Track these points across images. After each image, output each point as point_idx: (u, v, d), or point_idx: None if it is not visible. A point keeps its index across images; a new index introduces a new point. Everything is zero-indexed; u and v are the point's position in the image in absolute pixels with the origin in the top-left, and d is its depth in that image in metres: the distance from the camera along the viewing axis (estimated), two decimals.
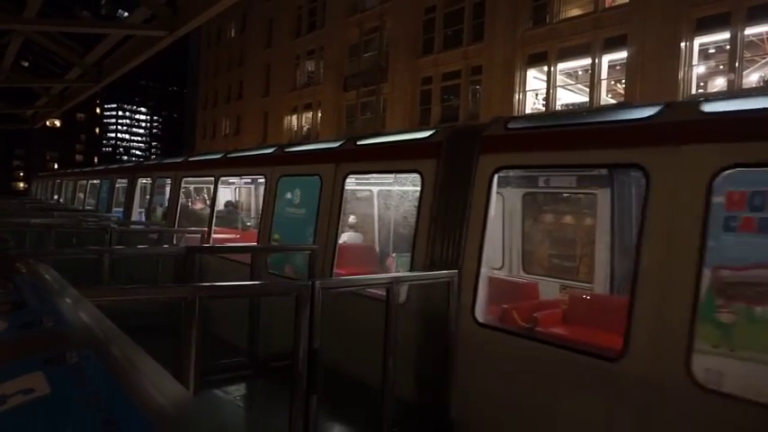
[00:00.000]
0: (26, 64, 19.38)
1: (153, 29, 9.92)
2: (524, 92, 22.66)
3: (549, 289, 6.27)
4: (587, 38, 20.42)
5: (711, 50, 17.85)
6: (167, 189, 10.45)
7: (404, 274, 4.64)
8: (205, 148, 45.14)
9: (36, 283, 1.41)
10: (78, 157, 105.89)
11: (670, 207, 3.20)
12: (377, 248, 8.84)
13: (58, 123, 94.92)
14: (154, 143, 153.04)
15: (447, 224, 4.57)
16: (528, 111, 22.38)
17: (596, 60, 20.27)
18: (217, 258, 6.96)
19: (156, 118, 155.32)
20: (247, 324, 5.29)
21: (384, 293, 3.69)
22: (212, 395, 4.54)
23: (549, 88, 21.81)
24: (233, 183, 11.45)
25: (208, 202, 9.61)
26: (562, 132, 4.13)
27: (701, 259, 2.95)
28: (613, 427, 3.18)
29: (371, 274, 6.95)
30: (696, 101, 3.59)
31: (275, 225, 6.93)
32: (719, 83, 17.63)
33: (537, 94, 22.68)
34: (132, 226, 10.58)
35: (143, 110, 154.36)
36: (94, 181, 16.75)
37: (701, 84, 18.06)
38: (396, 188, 7.82)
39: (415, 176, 5.14)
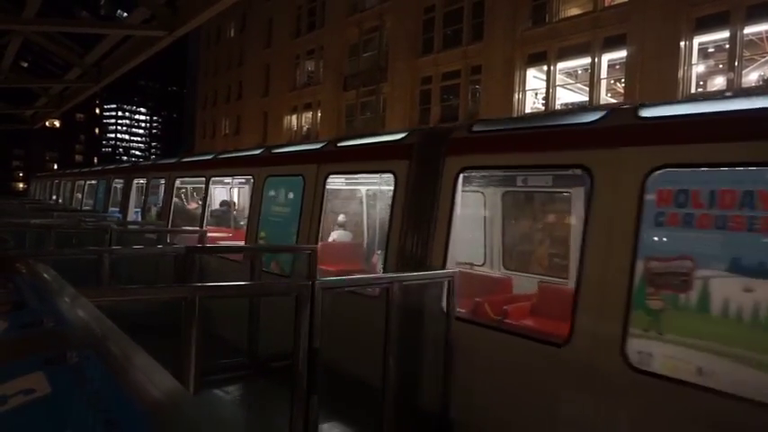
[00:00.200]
0: (25, 64, 19.37)
1: (152, 29, 9.93)
2: (524, 91, 22.66)
3: (529, 284, 6.39)
4: (587, 37, 20.42)
5: (711, 49, 17.85)
6: (161, 189, 10.64)
7: (403, 274, 4.64)
8: (205, 148, 45.13)
9: (36, 283, 1.41)
10: (78, 158, 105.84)
11: (609, 205, 3.48)
12: (364, 246, 8.95)
13: (57, 124, 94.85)
14: (153, 143, 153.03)
15: (417, 222, 4.81)
16: (528, 110, 22.39)
17: (596, 60, 20.27)
18: (209, 256, 7.10)
19: (155, 118, 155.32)
20: (247, 324, 5.29)
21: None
22: (212, 395, 4.54)
23: (548, 88, 21.81)
24: (228, 183, 11.57)
25: (200, 201, 9.81)
26: (519, 135, 4.44)
27: (635, 252, 3.26)
28: (561, 407, 3.44)
29: (357, 270, 7.05)
30: (635, 106, 3.77)
31: (262, 223, 7.13)
32: (719, 82, 17.63)
33: (537, 94, 22.68)
34: (132, 226, 10.59)
35: (142, 110, 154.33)
36: (92, 181, 16.96)
37: (701, 83, 18.06)
38: (384, 188, 7.98)
39: (393, 176, 5.34)
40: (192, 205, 12.48)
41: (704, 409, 2.86)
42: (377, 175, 6.05)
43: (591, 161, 3.66)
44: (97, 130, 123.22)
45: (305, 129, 36.63)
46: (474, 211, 7.18)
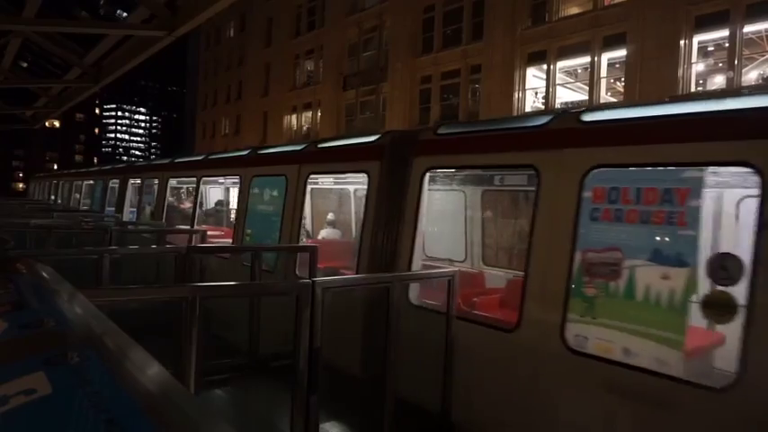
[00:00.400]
0: (25, 64, 19.42)
1: (152, 29, 9.91)
2: (524, 90, 22.65)
3: (505, 279, 6.53)
4: (586, 36, 20.42)
5: (710, 48, 17.85)
6: (155, 189, 10.98)
7: (403, 273, 4.66)
8: (205, 148, 45.14)
9: (36, 283, 1.41)
10: (78, 158, 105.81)
11: (553, 201, 3.81)
12: (351, 244, 8.99)
13: (57, 124, 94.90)
14: (153, 143, 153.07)
15: (388, 218, 5.10)
16: (528, 109, 22.38)
17: (596, 58, 20.27)
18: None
19: (155, 118, 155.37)
20: (248, 323, 5.30)
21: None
22: (213, 394, 4.55)
23: (548, 87, 21.81)
24: (218, 183, 11.83)
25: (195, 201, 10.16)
26: (478, 138, 4.76)
27: (574, 244, 3.58)
28: (512, 384, 3.76)
29: (344, 266, 7.19)
30: (579, 110, 4.11)
31: (248, 221, 7.43)
32: (719, 80, 17.63)
33: (536, 93, 22.68)
34: (132, 226, 10.61)
35: (142, 110, 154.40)
36: (89, 182, 17.29)
37: (701, 81, 18.06)
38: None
39: (366, 176, 5.63)
40: (186, 205, 12.64)
41: (628, 384, 3.17)
42: (361, 175, 6.22)
43: (538, 161, 3.97)
44: (97, 130, 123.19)
45: (305, 128, 36.63)
46: (455, 210, 7.42)
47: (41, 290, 1.35)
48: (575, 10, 21.52)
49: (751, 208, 3.01)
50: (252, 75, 41.73)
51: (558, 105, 21.73)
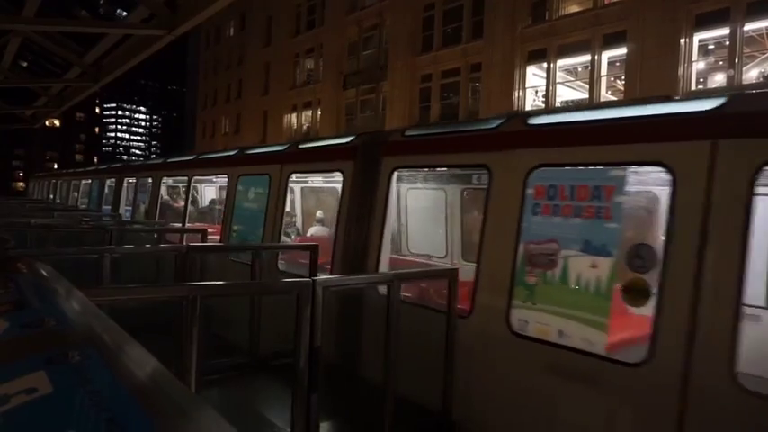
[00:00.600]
0: (25, 64, 19.39)
1: (152, 28, 9.91)
2: (524, 89, 22.65)
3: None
4: (587, 34, 20.41)
5: (711, 46, 17.84)
6: (149, 188, 11.37)
7: (404, 271, 4.68)
8: (205, 147, 45.15)
9: (37, 282, 1.42)
10: (78, 157, 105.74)
11: (501, 198, 4.16)
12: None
13: (57, 123, 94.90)
14: (154, 142, 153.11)
15: (360, 214, 5.42)
16: (528, 108, 22.37)
17: (596, 57, 20.26)
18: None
19: (155, 117, 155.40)
20: (248, 322, 5.30)
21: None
22: (213, 394, 4.55)
23: (548, 85, 21.80)
24: (208, 181, 12.13)
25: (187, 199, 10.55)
26: (439, 139, 5.14)
27: (518, 237, 3.95)
28: (468, 366, 4.04)
29: (329, 262, 7.36)
30: (527, 114, 4.49)
31: (235, 219, 7.74)
32: (719, 79, 17.62)
33: (537, 92, 22.68)
34: (131, 226, 10.65)
35: (142, 109, 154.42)
36: (86, 181, 17.67)
37: (701, 80, 18.05)
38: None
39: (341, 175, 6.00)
40: (178, 203, 12.87)
41: (562, 363, 3.52)
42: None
43: (490, 161, 4.31)
44: (97, 130, 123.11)
45: (305, 127, 36.63)
46: (437, 208, 7.68)
47: (42, 289, 1.35)
48: (575, 8, 21.51)
49: (665, 203, 3.35)
50: (252, 74, 41.72)
51: (558, 104, 21.73)
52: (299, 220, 10.02)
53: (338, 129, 30.99)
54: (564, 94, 22.16)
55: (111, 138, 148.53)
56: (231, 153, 8.70)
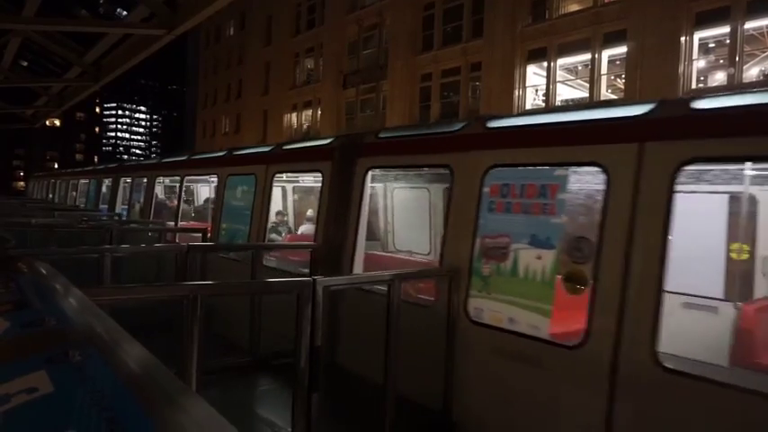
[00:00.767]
0: (25, 63, 19.39)
1: (152, 27, 9.91)
2: (524, 88, 22.63)
3: None
4: (587, 33, 20.39)
5: (711, 45, 17.82)
6: (144, 187, 11.72)
7: (404, 271, 4.69)
8: (205, 146, 45.14)
9: (38, 282, 1.42)
10: (78, 157, 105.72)
11: (461, 197, 4.48)
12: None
13: (57, 123, 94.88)
14: (154, 142, 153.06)
15: (337, 213, 5.73)
16: (528, 107, 22.37)
17: (596, 56, 20.24)
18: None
19: (155, 117, 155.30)
20: (249, 322, 5.31)
21: None
22: (214, 393, 4.55)
23: (548, 84, 21.78)
24: (200, 181, 12.38)
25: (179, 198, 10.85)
26: (409, 141, 5.46)
27: (476, 232, 4.26)
28: (430, 350, 4.26)
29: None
30: (486, 117, 4.79)
31: (224, 216, 8.02)
32: (720, 77, 17.60)
33: (537, 90, 22.65)
34: (133, 225, 10.69)
35: (143, 109, 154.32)
36: (84, 180, 18.00)
37: (702, 78, 18.03)
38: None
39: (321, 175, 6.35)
40: (172, 202, 13.17)
41: (512, 347, 3.83)
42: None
43: (452, 162, 4.62)
44: (97, 129, 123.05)
45: (305, 127, 36.61)
46: (421, 207, 7.92)
47: (43, 289, 1.36)
48: (575, 7, 21.48)
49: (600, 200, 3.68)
50: (252, 73, 41.70)
51: (558, 102, 21.71)
52: (290, 219, 10.22)
53: (339, 128, 30.97)
54: (564, 92, 22.13)
55: (112, 137, 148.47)
56: (221, 154, 9.04)
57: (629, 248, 3.32)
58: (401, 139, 5.60)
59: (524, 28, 22.37)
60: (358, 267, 5.46)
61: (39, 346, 0.95)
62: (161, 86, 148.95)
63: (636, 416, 3.15)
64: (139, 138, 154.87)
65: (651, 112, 3.47)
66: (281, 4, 37.83)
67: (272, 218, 9.47)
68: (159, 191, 12.50)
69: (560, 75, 22.04)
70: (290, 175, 8.44)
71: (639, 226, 3.31)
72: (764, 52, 16.73)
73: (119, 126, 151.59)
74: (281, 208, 10.04)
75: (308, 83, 36.23)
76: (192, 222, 10.87)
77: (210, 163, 9.38)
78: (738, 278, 5.13)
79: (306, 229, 9.17)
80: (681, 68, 17.39)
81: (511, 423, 3.81)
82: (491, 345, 3.95)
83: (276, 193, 9.83)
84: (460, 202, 4.48)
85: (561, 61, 21.83)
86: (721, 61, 17.44)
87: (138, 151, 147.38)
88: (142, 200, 11.78)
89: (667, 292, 4.71)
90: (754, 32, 16.70)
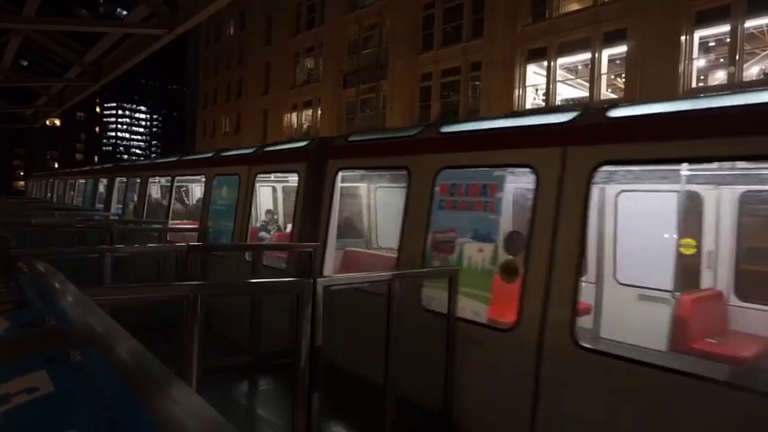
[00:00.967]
0: (25, 63, 19.37)
1: (152, 27, 9.92)
2: (524, 87, 22.62)
3: None
4: (587, 32, 20.37)
5: (712, 43, 17.80)
6: (138, 187, 12.11)
7: (404, 271, 4.70)
8: (205, 146, 45.13)
9: (38, 282, 1.42)
10: (78, 157, 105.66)
11: (416, 196, 4.87)
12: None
13: (57, 122, 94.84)
14: (154, 142, 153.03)
15: (312, 211, 6.11)
16: (528, 106, 22.35)
17: (596, 55, 20.22)
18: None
19: (155, 117, 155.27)
20: (249, 322, 5.31)
21: None
22: (214, 393, 4.55)
23: (548, 83, 21.77)
24: (191, 181, 12.76)
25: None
26: (373, 145, 5.89)
27: (428, 228, 4.66)
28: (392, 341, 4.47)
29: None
30: (439, 123, 5.24)
31: (210, 214, 8.38)
32: (720, 76, 17.59)
33: (537, 90, 22.64)
34: (133, 225, 10.74)
35: (143, 108, 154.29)
36: (81, 180, 18.39)
37: (702, 77, 18.02)
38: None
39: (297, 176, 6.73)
40: (164, 201, 13.37)
41: (459, 331, 4.13)
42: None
43: (410, 164, 4.98)
44: (97, 129, 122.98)
45: (305, 126, 36.60)
46: (402, 205, 8.03)
47: (43, 288, 1.36)
48: (575, 6, 21.47)
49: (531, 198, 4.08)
50: (252, 73, 41.69)
51: (558, 102, 21.70)
52: (280, 218, 10.47)
53: (339, 128, 30.94)
54: (564, 92, 22.13)
55: (112, 137, 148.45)
56: (208, 155, 9.46)
57: (553, 241, 3.69)
58: (367, 142, 6.03)
59: (524, 27, 22.36)
60: (329, 263, 5.81)
61: (39, 345, 0.95)
62: (161, 86, 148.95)
63: (557, 387, 3.55)
64: (139, 137, 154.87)
65: (574, 119, 3.88)
66: (281, 3, 37.81)
67: (262, 216, 10.11)
68: (155, 190, 12.88)
69: (560, 74, 22.03)
70: (278, 175, 8.80)
71: (562, 221, 3.68)
72: (765, 51, 16.72)
73: (119, 126, 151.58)
74: (271, 207, 10.37)
75: (308, 82, 36.22)
76: (185, 221, 11.11)
77: (198, 164, 9.79)
78: (687, 272, 5.51)
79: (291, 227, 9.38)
80: (681, 67, 17.38)
81: (462, 396, 4.14)
82: (443, 330, 4.17)
83: (266, 192, 10.53)
84: (416, 200, 4.87)
85: (561, 61, 21.82)
86: (722, 60, 17.43)
87: (138, 151, 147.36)
88: (136, 199, 12.11)
89: (626, 285, 5.59)
90: (754, 31, 16.69)
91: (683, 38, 17.35)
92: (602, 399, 3.37)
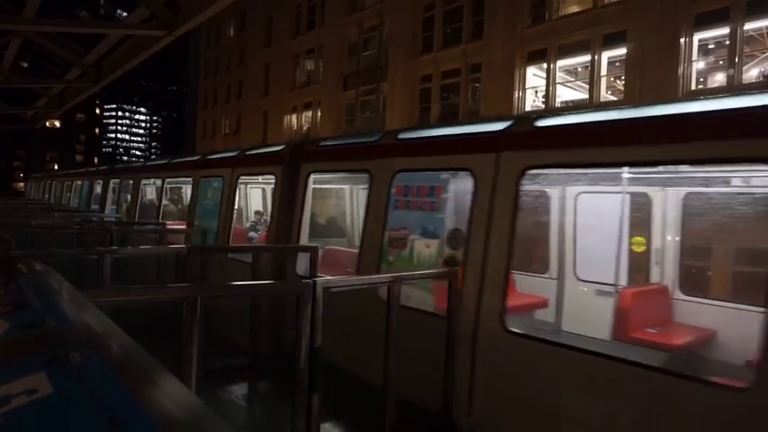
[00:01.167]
0: (26, 64, 19.39)
1: (152, 28, 9.93)
2: (524, 89, 22.64)
3: None
4: (587, 34, 20.39)
5: (711, 46, 17.82)
6: (130, 189, 12.57)
7: (404, 273, 4.71)
8: (205, 147, 45.11)
9: (38, 283, 1.42)
10: (78, 158, 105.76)
11: (375, 196, 5.31)
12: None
13: (57, 124, 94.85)
14: (154, 143, 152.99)
15: (287, 209, 6.54)
16: (528, 108, 22.36)
17: (596, 57, 20.24)
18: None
19: (155, 118, 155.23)
20: (248, 323, 5.31)
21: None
22: (214, 394, 4.55)
23: (548, 85, 21.79)
24: (179, 182, 13.06)
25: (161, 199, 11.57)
26: (340, 149, 6.53)
27: (385, 225, 5.10)
28: (352, 326, 4.70)
29: None
30: (397, 130, 5.75)
31: (197, 215, 8.83)
32: (719, 78, 17.61)
33: (537, 92, 22.66)
34: (134, 227, 10.80)
35: (143, 110, 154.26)
36: (78, 182, 18.92)
37: (701, 79, 18.04)
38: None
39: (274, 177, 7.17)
40: (156, 202, 13.58)
41: (411, 319, 4.26)
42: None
43: (371, 167, 5.44)
44: (97, 131, 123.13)
45: (305, 128, 36.61)
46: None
47: (43, 290, 1.36)
48: (575, 8, 21.49)
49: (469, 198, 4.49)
50: (252, 74, 41.72)
51: (558, 104, 21.71)
52: (269, 218, 10.65)
53: (338, 129, 30.96)
54: (564, 94, 22.14)
55: (112, 138, 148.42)
56: (194, 159, 9.99)
57: (487, 237, 4.13)
58: (336, 147, 6.64)
59: (524, 29, 22.38)
60: (301, 261, 6.14)
61: (38, 347, 0.95)
62: (161, 88, 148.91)
63: (488, 366, 3.94)
64: (139, 139, 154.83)
65: (507, 128, 4.35)
66: (282, 5, 37.85)
67: (252, 217, 10.65)
68: (147, 192, 13.12)
69: (560, 76, 22.05)
70: (266, 177, 9.12)
71: (495, 219, 4.12)
72: (764, 53, 16.74)
73: (119, 127, 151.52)
74: (260, 208, 10.75)
75: (308, 84, 36.24)
76: (176, 222, 11.37)
77: (186, 166, 10.27)
78: (638, 268, 6.01)
79: None
80: (680, 70, 17.39)
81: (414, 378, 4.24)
82: (399, 320, 4.41)
83: (256, 193, 11.18)
84: (375, 201, 5.31)
85: (561, 63, 21.83)
86: (721, 62, 17.45)
87: (138, 153, 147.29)
88: (129, 200, 12.53)
89: (585, 281, 6.18)
90: (753, 33, 16.71)
91: (682, 40, 17.37)
92: (528, 377, 3.77)
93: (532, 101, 22.70)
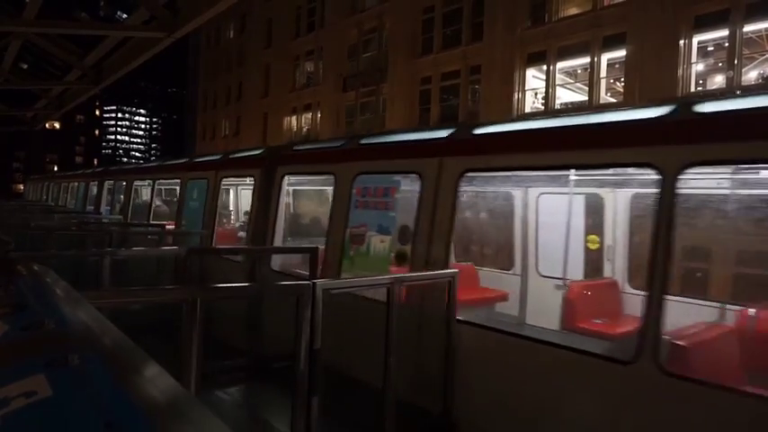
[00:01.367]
0: (25, 66, 19.42)
1: (152, 30, 9.92)
2: (524, 91, 22.65)
3: None
4: (586, 36, 20.41)
5: (710, 48, 17.84)
6: (123, 190, 13.07)
7: (404, 274, 4.71)
8: (205, 149, 45.15)
9: (37, 285, 1.42)
10: (78, 159, 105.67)
11: (339, 195, 5.80)
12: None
13: (57, 125, 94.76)
14: (154, 145, 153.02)
15: (264, 209, 6.97)
16: (528, 110, 22.38)
17: (595, 59, 20.26)
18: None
19: (155, 120, 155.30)
20: (248, 325, 5.31)
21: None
22: (213, 396, 4.54)
23: (548, 87, 21.81)
24: (171, 184, 13.49)
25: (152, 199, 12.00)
26: (309, 153, 6.94)
27: (347, 224, 5.59)
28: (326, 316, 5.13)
29: None
30: (359, 136, 6.14)
31: (184, 215, 9.32)
32: (719, 80, 17.63)
33: (536, 94, 22.67)
34: (133, 228, 10.80)
35: (142, 111, 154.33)
36: (74, 183, 19.38)
37: (700, 81, 18.05)
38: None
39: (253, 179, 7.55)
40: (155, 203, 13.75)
41: (367, 308, 4.40)
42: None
43: (335, 170, 5.91)
44: (97, 132, 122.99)
45: (305, 130, 36.63)
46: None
47: (42, 292, 1.35)
48: (574, 10, 21.51)
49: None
50: (252, 76, 41.74)
51: (557, 106, 21.73)
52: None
53: (338, 131, 30.97)
54: (564, 95, 22.16)
55: (111, 140, 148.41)
56: (182, 161, 10.56)
57: (430, 233, 4.59)
58: (307, 151, 7.06)
59: (524, 31, 22.41)
60: (275, 260, 6.61)
61: (38, 349, 0.95)
62: (161, 89, 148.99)
63: (436, 353, 4.24)
64: (139, 141, 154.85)
65: (449, 135, 4.77)
66: (282, 6, 37.89)
67: (242, 217, 11.07)
68: (140, 193, 13.36)
69: (560, 78, 22.07)
70: (227, 179, 9.52)
71: (437, 217, 4.56)
72: (763, 55, 16.75)
73: (118, 129, 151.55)
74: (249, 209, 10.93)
75: (307, 86, 36.26)
76: (167, 222, 11.54)
77: (175, 169, 10.75)
78: (593, 263, 6.49)
79: None
80: (680, 71, 17.41)
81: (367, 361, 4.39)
82: (355, 307, 4.59)
83: (246, 194, 11.11)
84: (339, 201, 5.76)
85: (561, 64, 21.85)
86: (720, 64, 17.47)
87: (137, 154, 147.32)
88: (122, 201, 12.96)
89: (546, 276, 6.60)
90: (752, 35, 16.73)
91: (681, 42, 17.39)
92: (474, 360, 4.18)
93: (532, 103, 22.72)
